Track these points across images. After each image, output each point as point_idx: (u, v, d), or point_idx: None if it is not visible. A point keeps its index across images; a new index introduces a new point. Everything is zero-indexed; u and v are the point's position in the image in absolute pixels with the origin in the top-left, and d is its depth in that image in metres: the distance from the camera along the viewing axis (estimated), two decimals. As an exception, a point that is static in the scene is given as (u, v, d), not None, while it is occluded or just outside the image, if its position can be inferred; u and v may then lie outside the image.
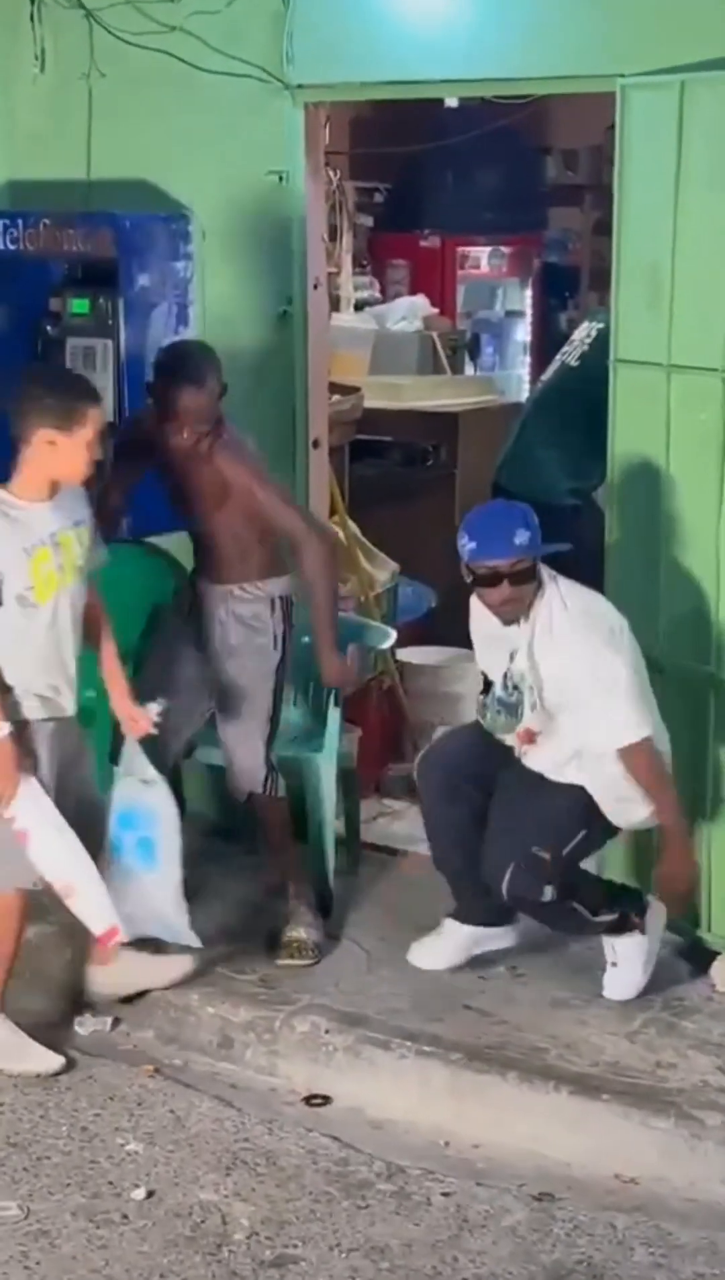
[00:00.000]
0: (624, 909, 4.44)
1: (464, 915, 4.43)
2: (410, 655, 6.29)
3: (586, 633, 4.27)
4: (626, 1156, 4.04)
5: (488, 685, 4.47)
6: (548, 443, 6.74)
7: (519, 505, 4.44)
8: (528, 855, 4.29)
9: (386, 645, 5.56)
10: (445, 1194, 3.91)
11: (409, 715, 6.17)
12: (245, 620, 4.80)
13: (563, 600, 4.31)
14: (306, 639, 4.92)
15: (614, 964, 4.49)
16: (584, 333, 6.80)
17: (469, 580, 4.36)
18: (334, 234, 8.64)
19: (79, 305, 5.47)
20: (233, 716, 4.81)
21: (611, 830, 4.46)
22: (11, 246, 5.42)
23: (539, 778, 4.37)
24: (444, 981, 4.64)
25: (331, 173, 7.05)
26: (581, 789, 4.32)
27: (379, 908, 5.12)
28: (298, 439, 5.44)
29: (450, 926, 4.46)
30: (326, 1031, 4.45)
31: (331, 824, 5.09)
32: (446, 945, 4.40)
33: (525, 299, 10.03)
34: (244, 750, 4.82)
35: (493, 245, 9.84)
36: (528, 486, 6.85)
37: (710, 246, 4.38)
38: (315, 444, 5.49)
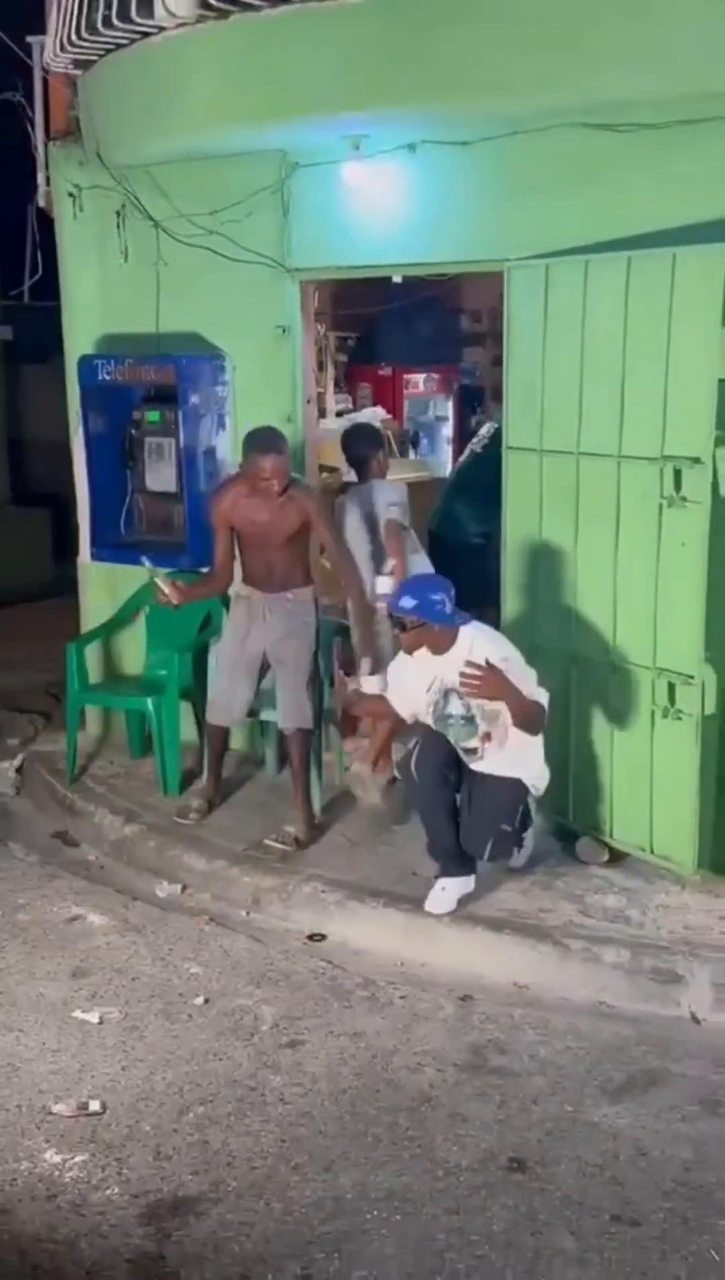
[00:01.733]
0: (527, 816, 4.34)
1: (450, 871, 4.26)
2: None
3: (502, 648, 4.17)
4: (520, 970, 4.04)
5: (439, 709, 4.25)
6: (463, 501, 6.73)
7: (431, 580, 4.25)
8: (499, 831, 4.22)
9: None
10: (402, 997, 3.91)
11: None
12: (295, 614, 4.76)
13: (472, 639, 4.17)
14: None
15: (518, 847, 4.42)
16: (486, 430, 6.78)
17: None
18: (322, 366, 8.64)
19: (152, 416, 5.47)
20: (287, 676, 4.74)
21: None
22: (107, 378, 5.40)
23: (489, 775, 4.23)
24: (399, 860, 4.62)
25: (319, 326, 7.03)
26: (516, 779, 4.23)
27: (358, 814, 5.08)
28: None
29: (446, 882, 4.26)
30: (323, 891, 4.44)
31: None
32: (450, 895, 4.24)
33: (448, 408, 9.98)
34: (294, 698, 4.72)
35: (427, 373, 9.80)
36: (450, 531, 6.88)
37: (566, 372, 4.38)
38: None
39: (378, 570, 5.03)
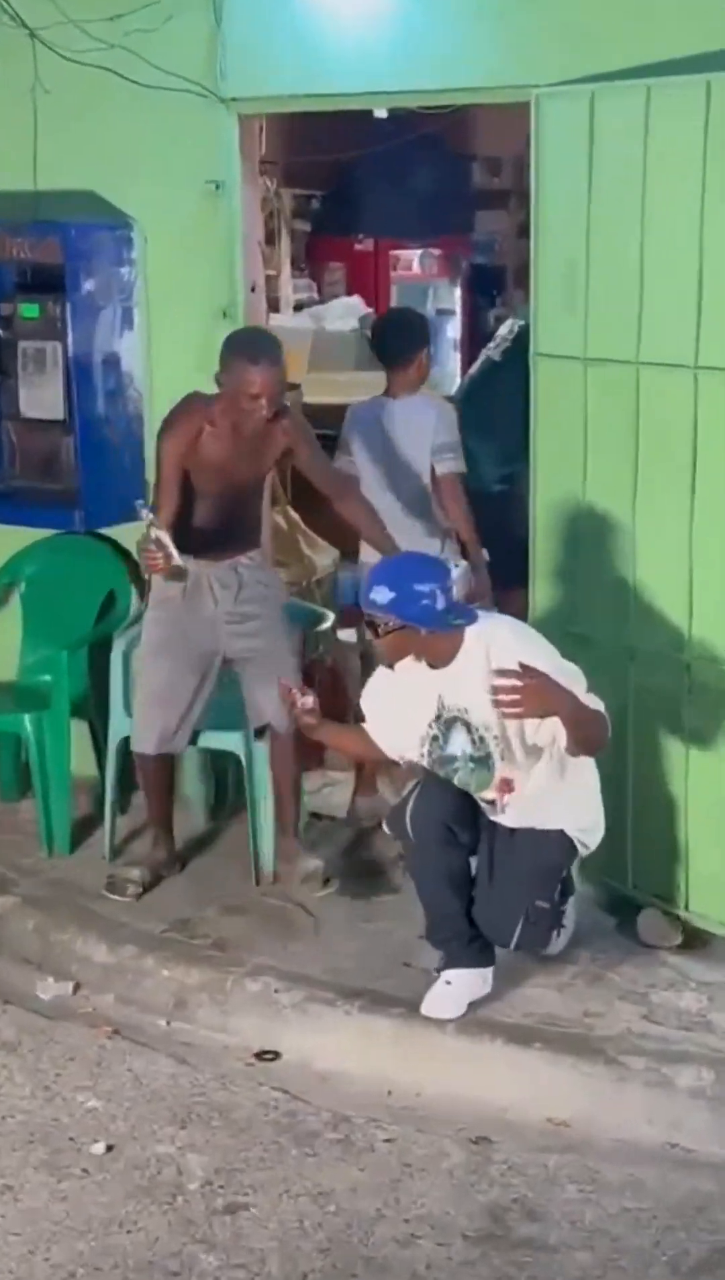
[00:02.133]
0: (569, 883, 4.36)
1: (459, 961, 4.26)
2: (349, 636, 6.27)
3: (532, 646, 4.13)
4: (558, 1101, 4.05)
5: (437, 748, 4.25)
6: (476, 434, 6.70)
7: (417, 563, 4.24)
8: (533, 909, 4.22)
9: (326, 626, 5.54)
10: (388, 1140, 3.92)
11: (351, 692, 6.15)
12: (255, 582, 4.84)
13: (488, 640, 4.12)
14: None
15: (558, 930, 4.40)
16: (508, 329, 6.80)
17: None
18: (272, 239, 8.63)
19: (28, 310, 5.45)
20: (266, 667, 4.76)
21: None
22: (-40, 254, 5.38)
23: (519, 831, 4.22)
24: (384, 942, 4.64)
25: (267, 181, 7.02)
26: (559, 832, 4.22)
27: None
28: None
29: (453, 975, 4.26)
30: (276, 991, 4.44)
31: (268, 798, 5.06)
32: (458, 994, 4.24)
33: (455, 298, 10.03)
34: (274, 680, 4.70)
35: (423, 248, 9.83)
36: (459, 474, 6.86)
37: (620, 247, 4.39)
38: None
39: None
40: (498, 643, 4.11)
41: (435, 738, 4.25)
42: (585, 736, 4.08)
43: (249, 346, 4.59)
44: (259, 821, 5.03)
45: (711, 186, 4.17)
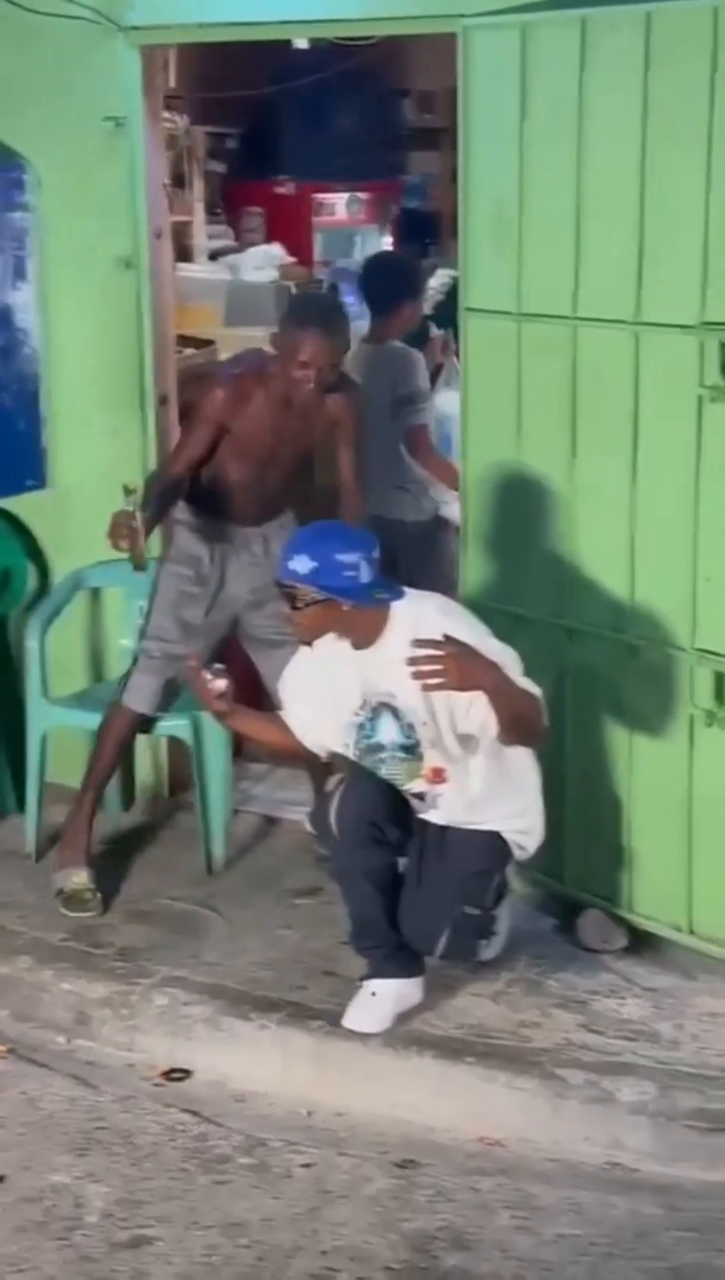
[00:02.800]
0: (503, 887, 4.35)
1: (384, 970, 4.27)
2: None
3: (462, 624, 4.12)
4: (491, 1119, 4.07)
5: (363, 737, 4.24)
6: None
7: (339, 533, 4.20)
8: (460, 916, 4.23)
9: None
10: (306, 1165, 3.92)
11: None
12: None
13: (415, 616, 4.10)
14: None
15: (486, 939, 4.40)
16: (438, 280, 6.81)
17: None
18: (183, 182, 8.56)
19: None
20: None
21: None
22: None
23: (451, 830, 4.23)
24: (305, 949, 4.65)
25: (175, 118, 6.96)
26: (492, 834, 4.23)
27: (241, 875, 5.14)
28: (145, 395, 5.38)
29: (377, 986, 4.27)
30: (185, 1004, 4.44)
31: (227, 780, 5.16)
32: (382, 1005, 4.25)
33: (384, 246, 9.97)
34: None
35: (350, 191, 9.77)
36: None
37: (556, 191, 4.38)
38: (162, 400, 5.43)
39: None
40: (425, 621, 4.08)
41: (361, 726, 4.24)
42: (515, 717, 4.04)
43: (301, 311, 4.68)
44: (211, 808, 5.11)
45: (653, 125, 4.16)
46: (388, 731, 4.21)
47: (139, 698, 4.91)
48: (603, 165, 4.29)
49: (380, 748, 4.23)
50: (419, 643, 3.96)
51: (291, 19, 5.05)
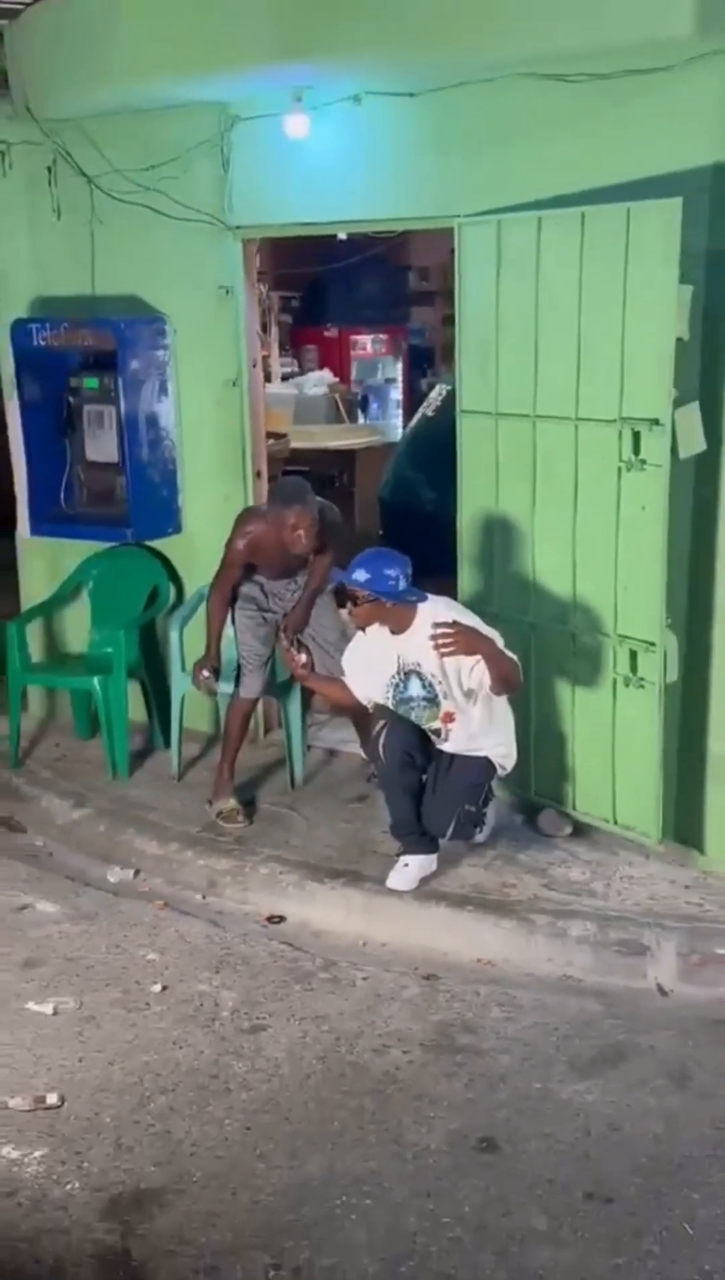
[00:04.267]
0: (489, 793, 4.35)
1: (412, 849, 4.27)
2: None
3: (463, 615, 4.17)
4: (484, 947, 4.08)
5: (398, 692, 4.22)
6: (414, 468, 6.76)
7: (386, 555, 4.19)
8: (462, 812, 4.23)
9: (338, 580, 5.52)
10: (364, 978, 3.93)
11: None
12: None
13: (432, 612, 4.15)
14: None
15: (480, 826, 4.39)
16: (437, 393, 6.83)
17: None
18: (266, 328, 8.57)
19: (90, 382, 5.39)
20: (323, 644, 4.81)
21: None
22: (42, 343, 5.32)
23: (457, 756, 4.23)
24: (359, 838, 4.64)
25: (262, 286, 6.96)
26: (485, 758, 4.23)
27: (313, 788, 5.12)
28: (246, 471, 5.34)
29: (408, 859, 4.24)
30: (281, 872, 4.44)
31: (302, 725, 5.13)
32: (412, 872, 4.25)
33: (397, 370, 9.97)
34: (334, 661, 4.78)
35: (374, 334, 9.77)
36: (403, 498, 6.91)
37: (520, 332, 4.37)
38: (257, 474, 5.39)
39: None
40: (439, 613, 4.13)
41: (397, 684, 4.24)
42: (502, 675, 4.08)
43: (287, 494, 4.60)
44: (293, 743, 5.04)
45: (587, 288, 4.14)
46: (415, 688, 4.22)
47: (250, 690, 4.86)
48: (553, 313, 4.26)
49: (410, 700, 4.23)
50: (438, 625, 4.03)
51: (343, 219, 5.03)
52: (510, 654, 4.13)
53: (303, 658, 4.38)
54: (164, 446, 5.44)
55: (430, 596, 4.21)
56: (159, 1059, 3.53)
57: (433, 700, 4.20)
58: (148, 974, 3.96)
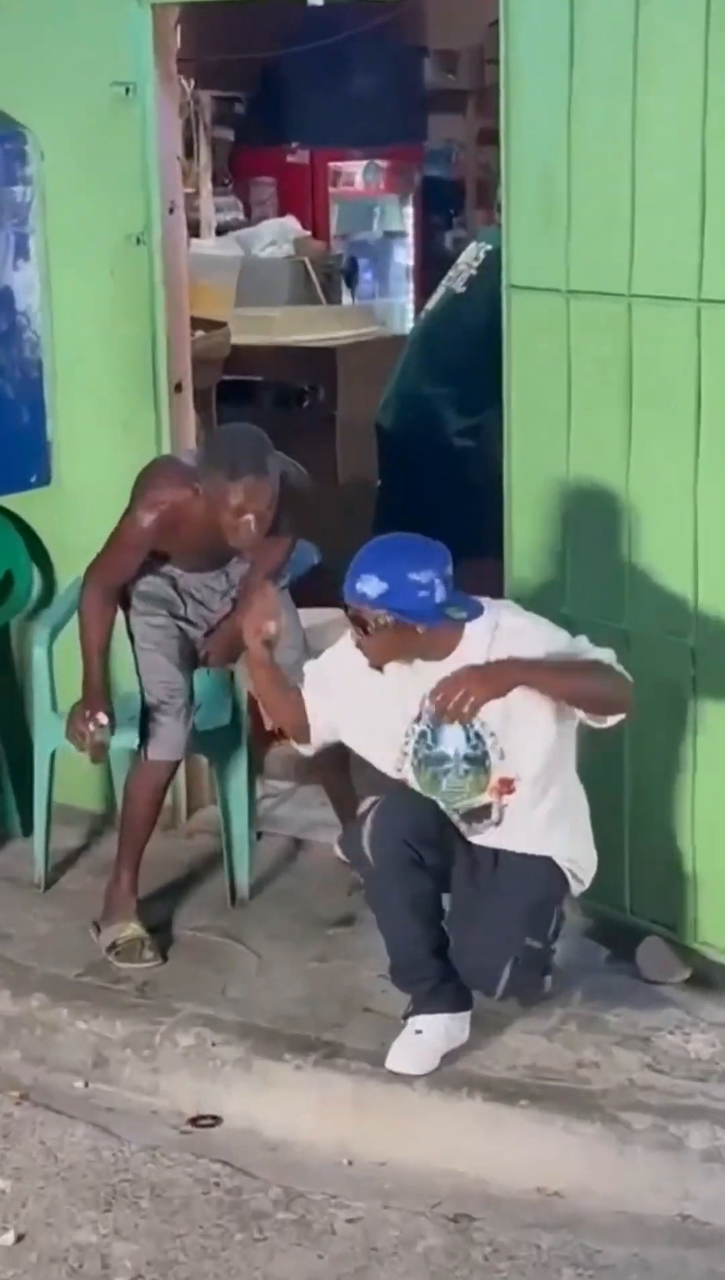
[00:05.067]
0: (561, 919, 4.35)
1: (429, 1006, 4.26)
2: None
3: (540, 631, 4.17)
4: (549, 1168, 4.05)
5: (424, 746, 4.24)
6: (435, 379, 6.77)
7: (410, 548, 4.18)
8: (523, 951, 4.21)
9: (316, 561, 5.68)
10: (351, 1220, 3.90)
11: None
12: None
13: (490, 634, 4.13)
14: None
15: (549, 973, 4.40)
16: (472, 255, 6.83)
17: None
18: (190, 150, 8.55)
19: None
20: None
21: None
22: None
23: (506, 857, 4.23)
24: (341, 983, 4.64)
25: (184, 83, 6.94)
26: (549, 861, 4.23)
27: (269, 902, 5.13)
28: (158, 383, 5.38)
29: (421, 1023, 4.26)
30: (213, 1044, 4.43)
31: (249, 800, 5.20)
32: (428, 1045, 4.24)
33: (406, 218, 10.03)
34: None
35: (368, 159, 9.79)
36: (413, 428, 6.93)
37: (611, 154, 4.37)
38: (177, 388, 5.42)
39: None
40: (502, 639, 4.12)
41: (423, 734, 4.24)
42: (577, 691, 4.11)
43: (230, 457, 4.59)
44: (234, 829, 5.10)
45: (715, 91, 4.13)
46: (452, 740, 4.20)
47: (169, 748, 4.89)
48: (662, 121, 4.27)
49: (444, 759, 4.22)
50: (434, 693, 4.08)
51: (315, -28, 5.04)
52: (598, 653, 4.16)
53: (272, 626, 4.33)
54: (22, 343, 5.44)
55: (487, 603, 4.20)
56: None
57: (481, 761, 4.20)
58: (-7, 1214, 3.95)
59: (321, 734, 4.41)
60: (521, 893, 4.22)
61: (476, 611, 4.16)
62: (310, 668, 4.45)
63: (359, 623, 4.12)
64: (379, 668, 4.21)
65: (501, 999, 4.30)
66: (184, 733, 4.91)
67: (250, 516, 4.53)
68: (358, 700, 4.31)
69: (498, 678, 4.06)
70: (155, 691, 4.88)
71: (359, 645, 4.19)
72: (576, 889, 4.32)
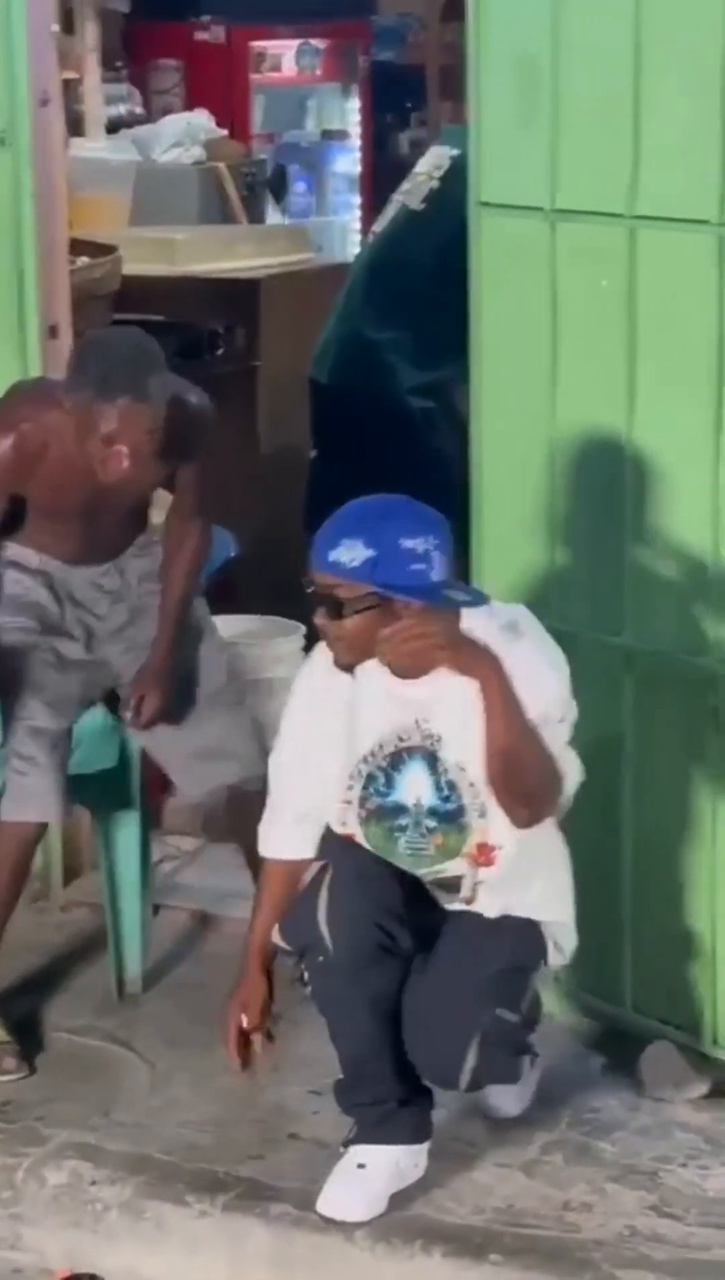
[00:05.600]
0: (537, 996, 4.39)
1: (378, 1132, 4.25)
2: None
3: (549, 662, 4.17)
4: (527, 1343, 4.08)
5: (373, 793, 4.27)
6: (384, 320, 6.79)
7: (414, 510, 4.20)
8: (491, 1023, 4.21)
9: (232, 554, 5.80)
10: None
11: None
12: (155, 575, 5.07)
13: (489, 626, 4.15)
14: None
15: (531, 1057, 4.44)
16: (432, 162, 6.85)
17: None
18: (70, 24, 8.53)
19: None
20: (193, 695, 5.03)
21: None
22: None
23: (472, 917, 4.26)
24: (259, 1101, 4.65)
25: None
26: (527, 922, 4.27)
27: (166, 997, 5.16)
28: (27, 326, 5.41)
29: (366, 1154, 4.26)
30: (93, 1183, 4.43)
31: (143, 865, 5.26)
32: (374, 1180, 4.23)
33: (349, 114, 10.05)
34: (237, 727, 5.07)
35: (300, 38, 9.81)
36: (357, 382, 6.95)
37: (606, 41, 4.42)
38: (52, 332, 5.46)
39: None
40: (514, 645, 4.13)
41: (372, 776, 4.25)
42: (510, 756, 4.07)
43: (100, 371, 4.63)
44: (123, 904, 5.16)
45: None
46: (414, 787, 4.22)
47: (36, 806, 4.87)
48: (669, 10, 4.32)
49: (401, 810, 4.23)
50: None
51: None
52: (564, 756, 4.16)
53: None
54: None
55: (494, 604, 4.23)
56: None
57: (453, 817, 4.21)
58: None
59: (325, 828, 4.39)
60: (489, 959, 4.22)
61: (478, 599, 4.18)
62: (286, 724, 4.41)
63: (330, 603, 4.10)
64: (349, 668, 4.20)
65: (468, 1090, 4.31)
66: (54, 789, 4.88)
67: (121, 446, 4.56)
68: (309, 732, 4.33)
69: (469, 651, 4.06)
70: (17, 734, 4.86)
71: (324, 634, 4.19)
72: (556, 960, 4.35)
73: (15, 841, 4.88)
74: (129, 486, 4.75)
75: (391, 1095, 4.25)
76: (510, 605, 4.27)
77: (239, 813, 5.02)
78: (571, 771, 4.18)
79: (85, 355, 4.77)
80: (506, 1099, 4.50)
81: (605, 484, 4.60)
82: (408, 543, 4.07)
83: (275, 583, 5.03)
